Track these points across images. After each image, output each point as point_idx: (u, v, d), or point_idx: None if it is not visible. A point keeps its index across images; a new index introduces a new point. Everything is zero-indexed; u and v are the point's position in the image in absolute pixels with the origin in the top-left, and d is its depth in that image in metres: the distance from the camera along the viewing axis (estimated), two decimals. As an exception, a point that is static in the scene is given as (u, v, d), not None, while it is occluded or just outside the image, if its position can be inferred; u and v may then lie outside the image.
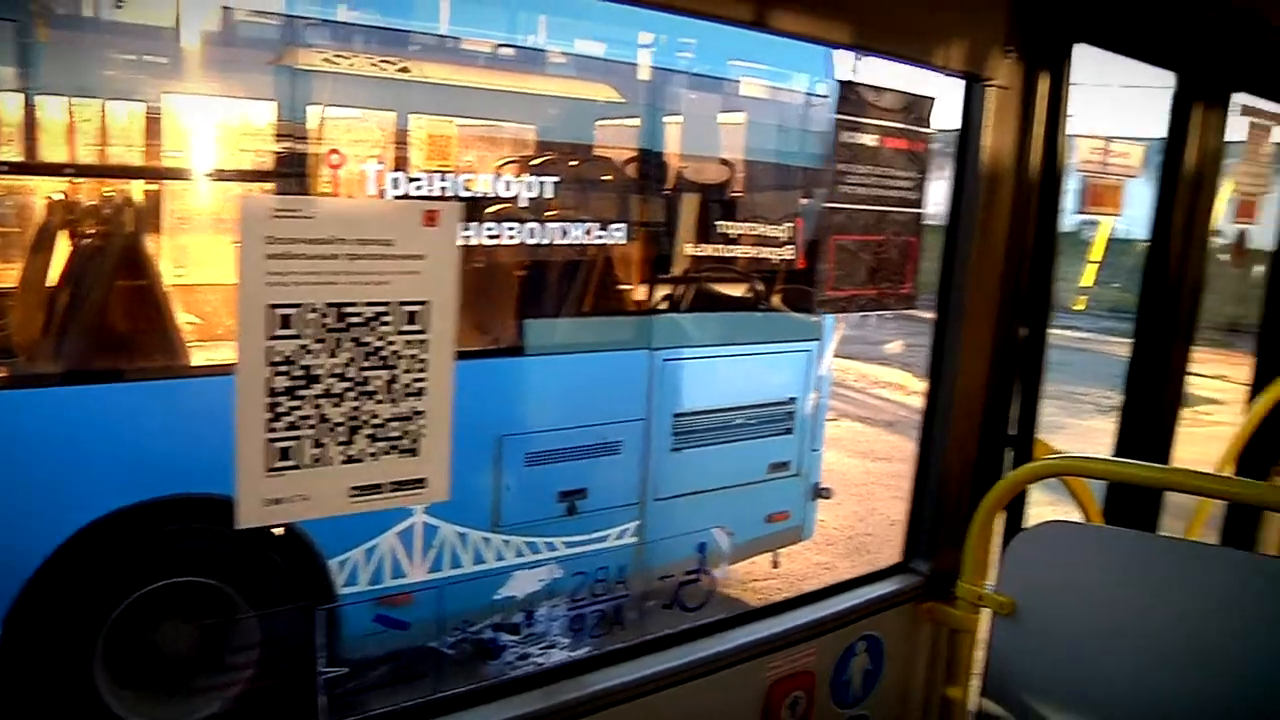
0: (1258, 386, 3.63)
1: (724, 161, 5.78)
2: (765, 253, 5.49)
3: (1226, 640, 2.10)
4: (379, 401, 1.67)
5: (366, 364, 1.64)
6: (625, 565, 5.18)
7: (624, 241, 5.11)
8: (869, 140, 2.15)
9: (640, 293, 5.31)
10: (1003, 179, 2.36)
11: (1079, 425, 8.85)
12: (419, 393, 1.71)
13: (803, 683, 2.34)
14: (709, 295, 5.52)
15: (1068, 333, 14.76)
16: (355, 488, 1.68)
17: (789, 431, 5.76)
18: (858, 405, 9.50)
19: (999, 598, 2.30)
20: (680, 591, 4.87)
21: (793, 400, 5.75)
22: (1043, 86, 2.37)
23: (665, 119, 5.66)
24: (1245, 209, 3.50)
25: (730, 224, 5.50)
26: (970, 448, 2.50)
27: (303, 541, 4.29)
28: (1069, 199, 2.83)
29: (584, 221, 4.95)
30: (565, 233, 4.82)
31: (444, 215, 1.68)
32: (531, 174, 4.91)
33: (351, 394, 1.64)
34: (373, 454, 1.69)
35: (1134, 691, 2.21)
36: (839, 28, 1.99)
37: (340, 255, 1.59)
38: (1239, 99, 3.26)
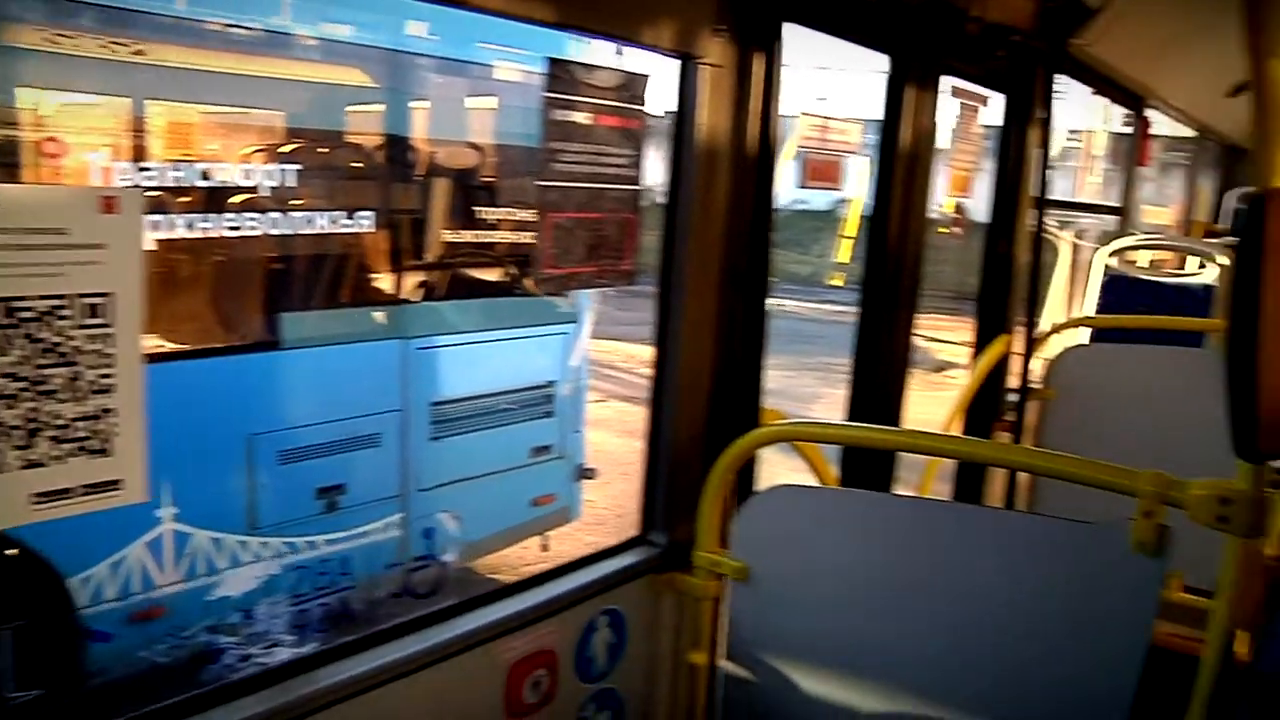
0: (979, 348, 3.87)
1: (477, 146, 5.75)
2: (519, 237, 5.49)
3: (954, 589, 2.22)
4: (61, 401, 1.56)
5: (43, 361, 1.53)
6: (387, 559, 5.10)
7: (375, 229, 5.00)
8: (582, 118, 2.16)
9: (392, 281, 5.21)
10: (720, 156, 2.42)
11: (834, 394, 9.23)
12: (107, 390, 1.61)
13: (544, 661, 2.34)
14: (464, 281, 5.49)
15: (826, 307, 15.41)
16: (39, 494, 1.56)
17: (550, 414, 5.80)
18: (624, 385, 9.61)
19: (734, 563, 2.36)
20: (410, 579, 4.86)
21: (551, 383, 5.79)
22: (757, 65, 2.43)
23: (417, 104, 5.57)
24: (960, 184, 3.71)
25: (483, 209, 5.47)
26: (699, 419, 2.56)
27: (39, 562, 4.02)
28: (793, 175, 2.94)
29: (333, 210, 4.82)
30: (311, 222, 4.68)
31: (125, 201, 1.58)
32: (279, 162, 4.75)
33: (28, 394, 1.53)
34: (58, 457, 1.57)
35: (866, 643, 2.31)
36: (543, 6, 1.98)
37: (5, 245, 1.47)
38: (950, 81, 3.46)
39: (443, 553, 5.30)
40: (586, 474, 6.09)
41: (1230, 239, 5.90)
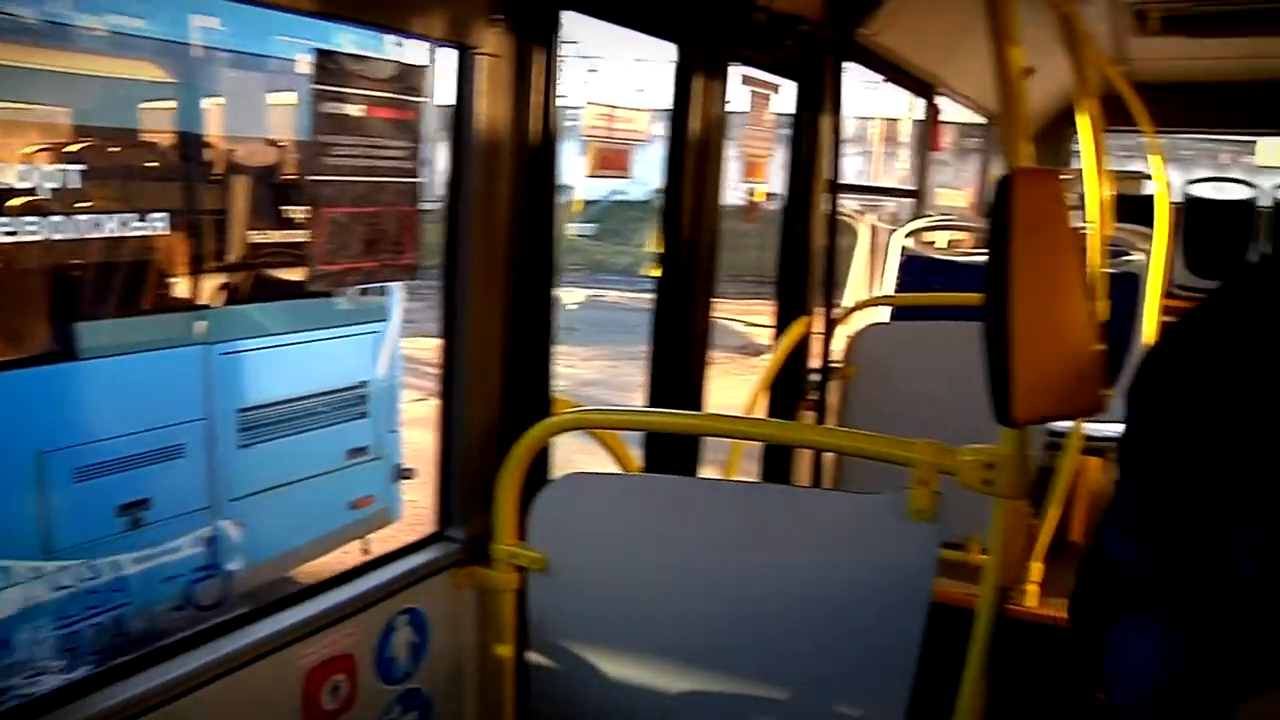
0: (780, 329, 3.96)
1: (278, 143, 5.60)
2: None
3: (748, 566, 2.28)
4: None
5: None
6: (198, 572, 4.92)
7: (171, 232, 4.81)
8: (355, 110, 2.11)
9: (192, 285, 5.02)
10: (502, 148, 2.41)
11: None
12: None
13: (341, 666, 2.30)
14: (269, 283, 5.33)
15: (646, 296, 15.47)
16: None
17: (364, 415, 5.71)
18: (445, 382, 9.49)
19: (531, 554, 2.37)
20: (192, 590, 4.70)
21: (364, 383, 5.70)
22: (537, 55, 2.43)
23: (214, 99, 5.39)
24: (754, 170, 3.80)
25: (287, 208, 5.33)
26: (491, 411, 2.55)
27: None
28: (582, 164, 2.95)
29: (125, 212, 4.61)
30: (100, 225, 4.47)
31: None
32: (64, 161, 4.51)
33: None
34: None
35: (666, 624, 2.36)
36: (305, -7, 1.93)
37: None
38: (741, 70, 3.52)
39: (256, 562, 5.16)
40: (405, 474, 6.03)
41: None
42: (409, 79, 2.25)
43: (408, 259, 2.29)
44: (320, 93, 2.07)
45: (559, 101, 2.45)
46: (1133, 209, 5.48)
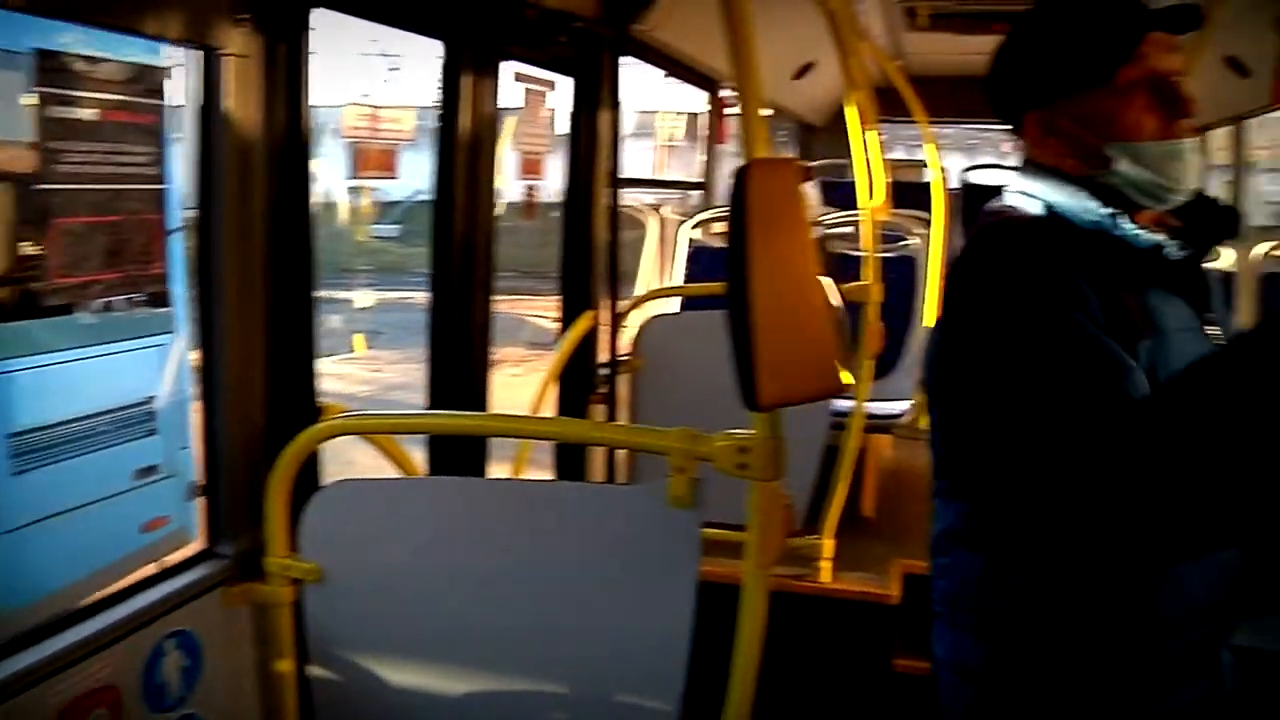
0: (566, 324, 3.99)
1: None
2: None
3: (521, 564, 2.28)
4: None
5: None
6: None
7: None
8: (88, 114, 2.02)
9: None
10: (254, 151, 2.34)
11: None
12: None
13: (103, 699, 2.18)
14: (40, 297, 5.02)
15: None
16: None
17: (153, 432, 5.45)
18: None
19: (305, 565, 2.32)
20: None
21: (150, 399, 5.43)
22: (286, 56, 2.37)
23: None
24: (531, 167, 3.80)
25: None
26: (256, 420, 2.48)
27: None
28: (345, 165, 2.90)
29: None
30: None
31: None
32: None
33: None
34: None
35: (446, 627, 2.34)
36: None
37: None
38: (514, 68, 3.52)
39: (37, 597, 4.85)
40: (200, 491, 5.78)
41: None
42: (147, 80, 2.17)
43: (156, 268, 2.21)
44: (48, 95, 1.97)
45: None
46: (915, 195, 5.74)
